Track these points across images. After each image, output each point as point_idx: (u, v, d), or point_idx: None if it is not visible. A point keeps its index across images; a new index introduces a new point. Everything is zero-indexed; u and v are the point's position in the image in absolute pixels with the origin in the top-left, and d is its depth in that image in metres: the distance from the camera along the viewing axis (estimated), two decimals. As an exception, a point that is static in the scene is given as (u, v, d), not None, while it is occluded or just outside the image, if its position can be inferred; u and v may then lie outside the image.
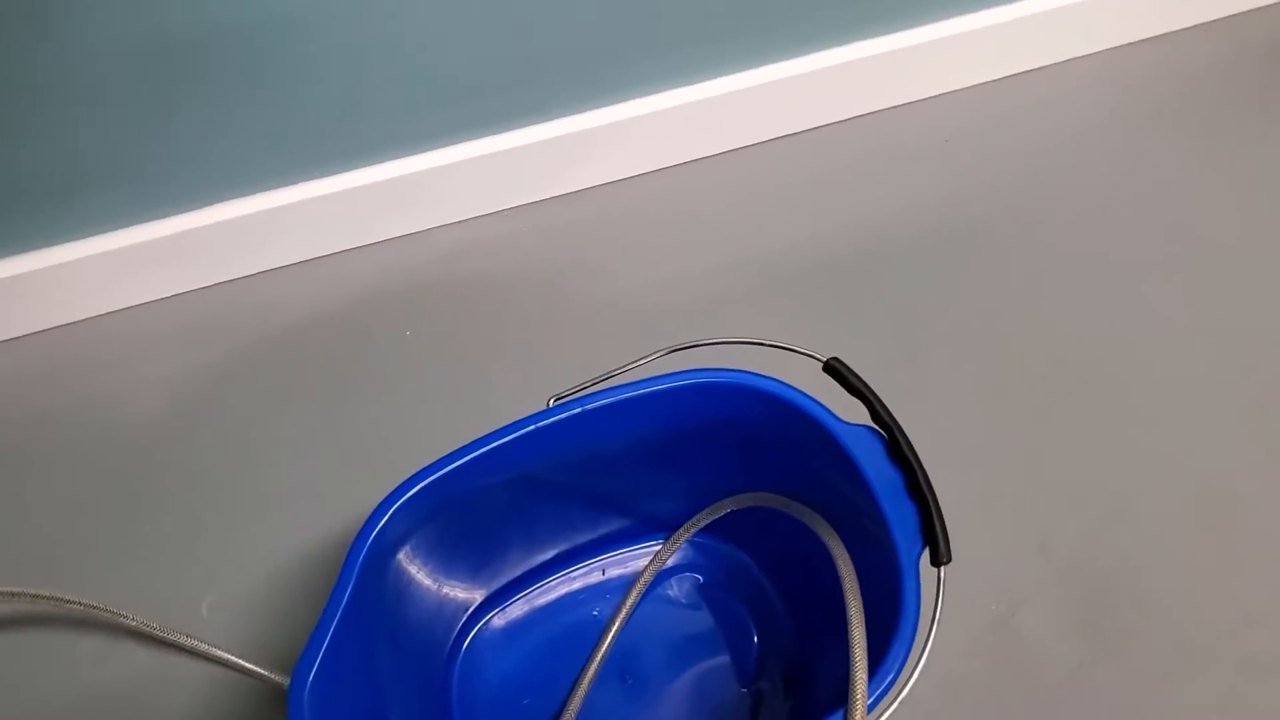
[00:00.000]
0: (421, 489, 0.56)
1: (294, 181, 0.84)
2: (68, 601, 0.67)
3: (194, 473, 0.77)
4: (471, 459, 0.57)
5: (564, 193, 0.93)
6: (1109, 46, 1.02)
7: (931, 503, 0.54)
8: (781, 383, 0.59)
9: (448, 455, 0.57)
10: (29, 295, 0.83)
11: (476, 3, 0.77)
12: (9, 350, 0.85)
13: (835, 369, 0.58)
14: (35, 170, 0.76)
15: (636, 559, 0.70)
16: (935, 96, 0.99)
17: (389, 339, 0.84)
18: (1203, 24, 1.04)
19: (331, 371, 0.82)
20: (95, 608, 0.67)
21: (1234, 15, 1.05)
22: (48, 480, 0.77)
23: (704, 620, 0.68)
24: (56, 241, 0.82)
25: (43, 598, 0.67)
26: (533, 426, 0.58)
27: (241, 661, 0.66)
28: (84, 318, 0.86)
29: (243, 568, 0.72)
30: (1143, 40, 1.03)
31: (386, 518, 0.55)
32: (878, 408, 0.57)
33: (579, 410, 0.58)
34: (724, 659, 0.66)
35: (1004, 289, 0.85)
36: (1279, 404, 0.78)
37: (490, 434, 0.57)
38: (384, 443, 0.78)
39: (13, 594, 0.67)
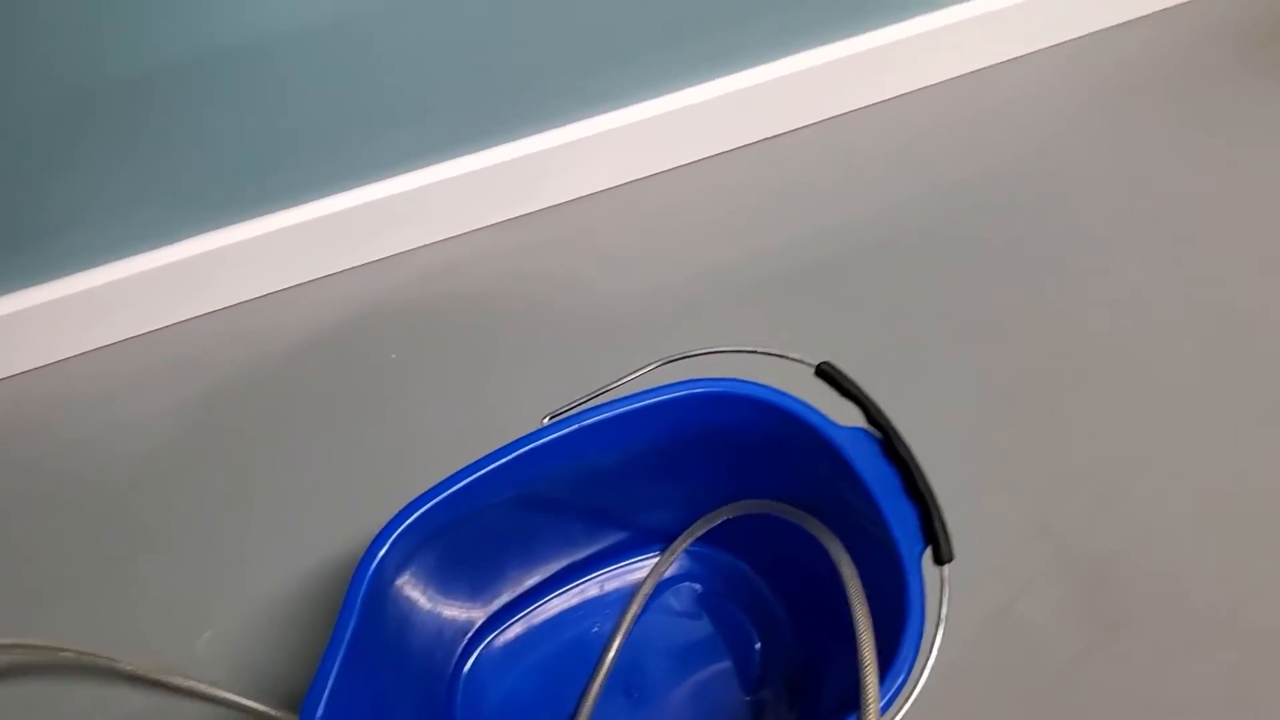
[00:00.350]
0: (421, 515, 0.56)
1: (268, 211, 0.84)
2: (61, 650, 0.66)
3: (182, 509, 0.76)
4: (470, 482, 0.56)
5: (541, 207, 0.93)
6: (1076, 36, 1.03)
7: (930, 501, 0.54)
8: (774, 390, 0.59)
9: (446, 479, 0.56)
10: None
11: (442, 24, 0.77)
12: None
13: (827, 373, 0.58)
14: None
15: (634, 572, 0.69)
16: (909, 94, 1.00)
17: (375, 362, 0.83)
18: (1166, 9, 1.06)
19: (318, 398, 0.82)
20: (89, 654, 0.66)
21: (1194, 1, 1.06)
22: (34, 527, 0.76)
23: (705, 629, 0.68)
24: (25, 285, 0.81)
25: (37, 647, 0.66)
26: (530, 446, 0.57)
27: (241, 699, 0.65)
28: (63, 358, 0.85)
29: (236, 602, 0.71)
30: (1110, 28, 1.04)
31: (387, 547, 0.54)
32: (871, 409, 0.57)
33: (575, 427, 0.58)
34: (727, 667, 0.66)
35: (988, 282, 0.86)
36: (1267, 381, 0.79)
37: (487, 456, 0.57)
38: (375, 468, 0.77)
39: (5, 645, 0.66)
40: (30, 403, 0.83)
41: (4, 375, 0.84)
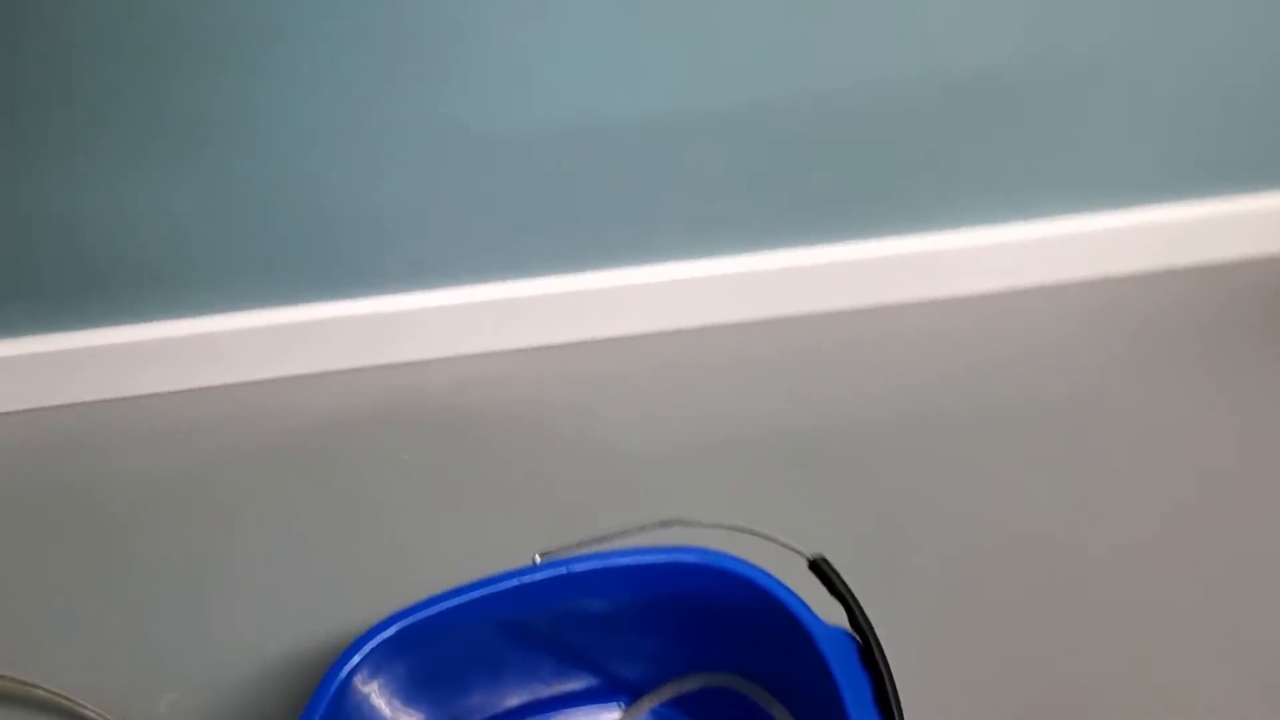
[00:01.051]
0: (399, 629, 0.57)
1: (316, 300, 0.88)
2: (33, 686, 0.67)
3: (170, 569, 0.78)
4: (453, 605, 0.57)
5: (571, 341, 0.95)
6: (1101, 276, 1.05)
7: (898, 716, 0.54)
8: (765, 573, 0.60)
9: (429, 599, 0.57)
10: (31, 374, 0.86)
11: (510, 162, 0.82)
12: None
13: (821, 570, 0.59)
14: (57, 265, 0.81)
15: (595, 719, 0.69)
16: (937, 300, 1.01)
17: (384, 460, 0.85)
18: (1200, 266, 1.07)
19: (322, 485, 0.83)
20: (57, 694, 0.67)
21: (1232, 262, 1.08)
22: (20, 560, 0.78)
23: (654, 792, 0.68)
24: (83, 326, 0.85)
25: (7, 679, 0.67)
26: (517, 582, 0.58)
27: (191, 769, 0.65)
28: (87, 401, 0.88)
29: (206, 671, 0.72)
30: (1136, 274, 1.05)
31: (361, 655, 0.55)
32: (857, 614, 0.58)
33: (564, 571, 0.59)
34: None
35: (984, 488, 0.86)
36: (1246, 618, 0.79)
37: (475, 583, 0.58)
38: (361, 566, 0.78)
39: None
40: (40, 439, 0.86)
41: (22, 408, 0.88)
